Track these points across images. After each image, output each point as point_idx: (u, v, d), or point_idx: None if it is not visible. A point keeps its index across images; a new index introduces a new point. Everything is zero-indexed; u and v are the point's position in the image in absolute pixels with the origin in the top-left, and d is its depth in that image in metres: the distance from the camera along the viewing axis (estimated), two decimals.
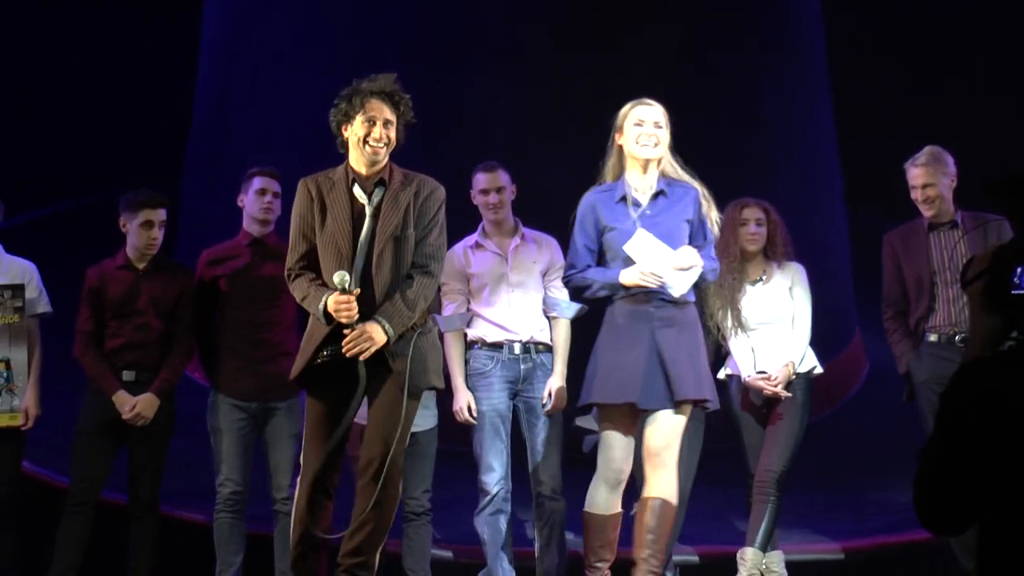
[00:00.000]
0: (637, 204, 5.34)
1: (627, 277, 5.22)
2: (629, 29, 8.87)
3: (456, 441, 6.47)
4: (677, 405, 5.25)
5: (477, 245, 6.17)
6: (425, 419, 6.06)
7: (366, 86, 5.06)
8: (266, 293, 6.11)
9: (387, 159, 5.09)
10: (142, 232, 6.04)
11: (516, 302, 6.08)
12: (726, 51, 9.13)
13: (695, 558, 6.56)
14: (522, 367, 6.06)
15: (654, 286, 5.21)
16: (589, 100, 7.46)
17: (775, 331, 5.99)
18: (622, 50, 8.75)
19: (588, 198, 5.42)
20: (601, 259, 5.43)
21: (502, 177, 6.16)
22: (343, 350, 4.89)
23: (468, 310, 6.15)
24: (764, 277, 6.07)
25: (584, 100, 8.02)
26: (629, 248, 5.20)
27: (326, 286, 4.96)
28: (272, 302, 6.10)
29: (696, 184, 5.43)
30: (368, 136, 5.02)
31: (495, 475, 5.98)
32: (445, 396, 6.13)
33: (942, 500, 2.04)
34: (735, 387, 6.05)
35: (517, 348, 6.07)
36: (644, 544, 5.23)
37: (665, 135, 5.33)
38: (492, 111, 8.89)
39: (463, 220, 6.11)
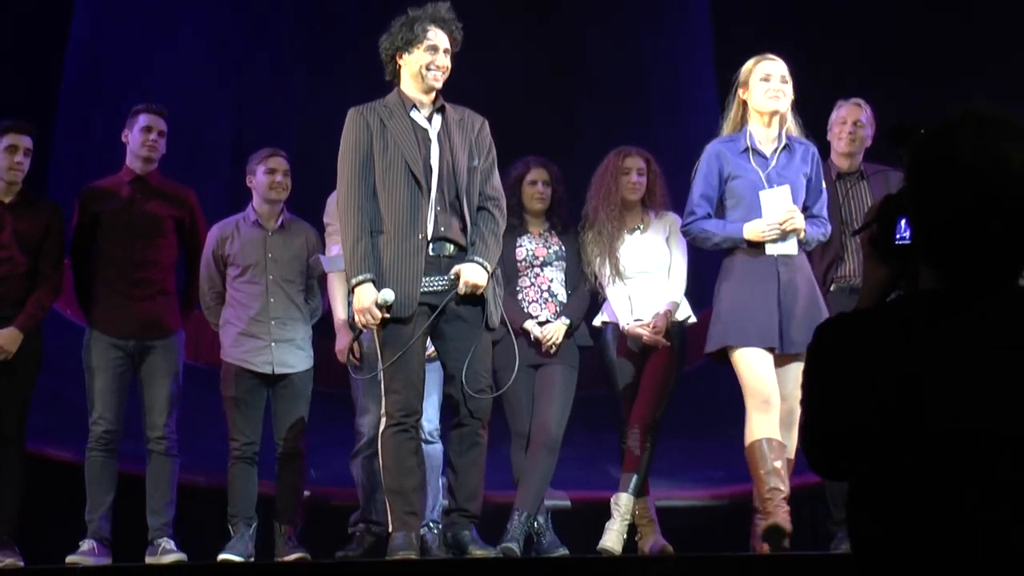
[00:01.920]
0: (761, 155, 5.41)
1: (751, 231, 5.31)
2: None
3: (332, 382, 6.37)
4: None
5: None
6: (300, 360, 6.03)
7: (428, 13, 5.14)
8: (147, 231, 6.08)
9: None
10: (6, 156, 5.91)
11: None
12: (608, 26, 9.10)
13: (568, 503, 6.56)
14: None
15: (773, 239, 5.30)
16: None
17: (652, 280, 6.03)
18: None
19: (712, 147, 5.49)
20: (719, 209, 5.50)
21: None
22: (458, 292, 5.02)
23: None
24: (641, 226, 6.11)
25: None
26: (765, 194, 5.32)
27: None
28: (152, 240, 6.08)
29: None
30: (431, 64, 5.08)
31: (371, 418, 5.94)
32: (322, 337, 6.04)
33: (822, 449, 2.05)
34: (611, 334, 6.10)
35: None
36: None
37: (790, 89, 5.45)
38: None
39: None
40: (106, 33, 10.13)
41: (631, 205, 6.15)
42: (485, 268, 5.07)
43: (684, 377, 6.05)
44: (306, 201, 6.49)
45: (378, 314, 4.96)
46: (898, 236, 2.22)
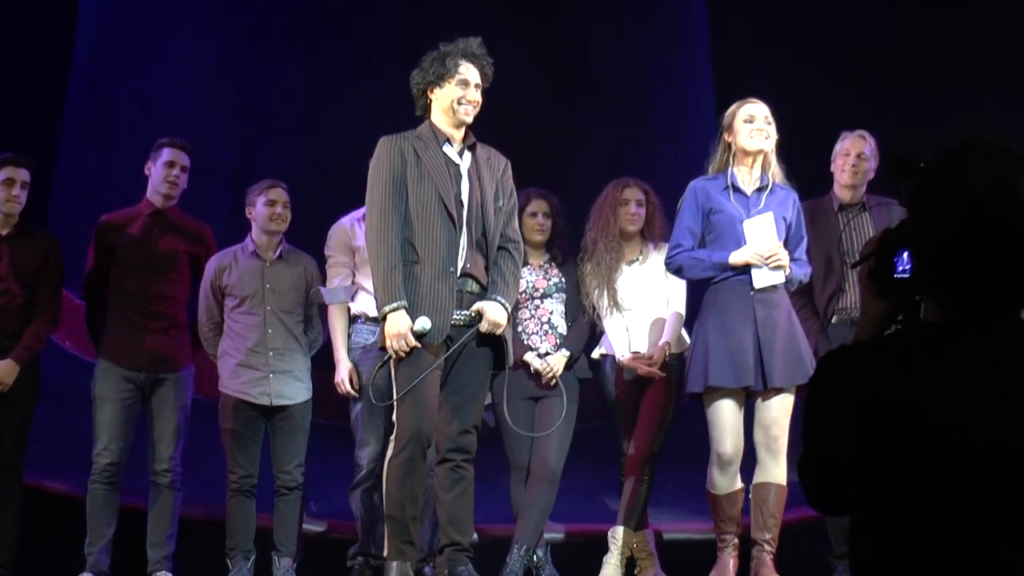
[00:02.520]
0: (742, 193, 5.48)
1: (738, 256, 5.35)
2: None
3: (332, 415, 6.35)
4: (786, 387, 5.36)
5: (364, 218, 6.04)
6: (299, 392, 6.03)
7: (460, 48, 5.18)
8: (162, 266, 6.12)
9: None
10: (4, 189, 5.96)
11: None
12: (609, 28, 9.12)
13: (562, 535, 6.54)
14: None
15: (760, 264, 5.33)
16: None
17: (650, 312, 6.02)
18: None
19: (695, 184, 5.57)
20: (701, 243, 5.57)
21: None
22: (482, 329, 5.05)
23: (352, 283, 6.10)
24: (640, 258, 6.12)
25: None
26: (749, 223, 5.39)
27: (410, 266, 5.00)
28: (167, 275, 6.12)
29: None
30: (463, 98, 5.12)
31: (370, 450, 5.98)
32: (321, 368, 6.02)
33: (823, 481, 2.06)
34: (609, 367, 6.11)
35: None
36: (765, 527, 5.36)
37: (774, 130, 5.53)
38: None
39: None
40: (107, 63, 10.17)
41: (630, 236, 6.16)
42: (506, 308, 5.11)
43: (683, 409, 6.04)
44: (307, 232, 6.48)
45: (413, 341, 4.93)
46: (898, 269, 2.21)
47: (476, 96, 5.17)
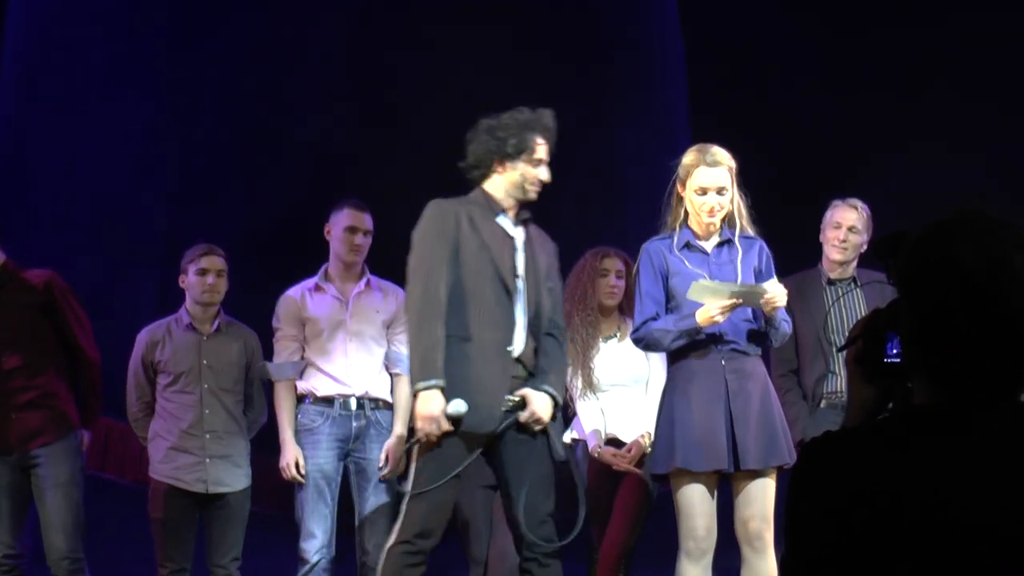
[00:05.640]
0: (702, 251, 5.34)
1: (701, 317, 5.16)
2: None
3: (273, 504, 6.31)
4: (762, 469, 5.22)
5: (317, 288, 6.13)
6: (237, 478, 6.01)
7: (540, 123, 5.20)
8: (11, 333, 5.91)
9: None
10: None
11: (353, 352, 6.07)
12: (582, 98, 9.22)
13: None
14: (354, 424, 6.04)
15: (724, 317, 5.15)
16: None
17: (629, 393, 6.00)
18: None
19: (648, 246, 5.42)
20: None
21: (367, 220, 6.14)
22: (521, 419, 5.05)
23: (302, 358, 6.08)
24: (618, 334, 6.08)
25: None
26: (691, 297, 5.19)
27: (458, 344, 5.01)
28: (15, 343, 5.92)
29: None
30: (536, 178, 5.17)
31: (316, 542, 5.94)
32: (262, 452, 6.00)
33: None
34: (580, 453, 6.03)
35: (352, 403, 5.99)
36: None
37: (728, 199, 5.32)
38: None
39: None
40: (33, 118, 10.17)
41: (608, 311, 6.14)
42: (555, 401, 5.11)
43: (660, 497, 6.02)
44: (250, 303, 6.48)
45: (446, 425, 4.93)
46: (889, 353, 2.19)
47: (548, 175, 5.20)
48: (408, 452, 5.51)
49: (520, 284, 5.12)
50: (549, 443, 5.13)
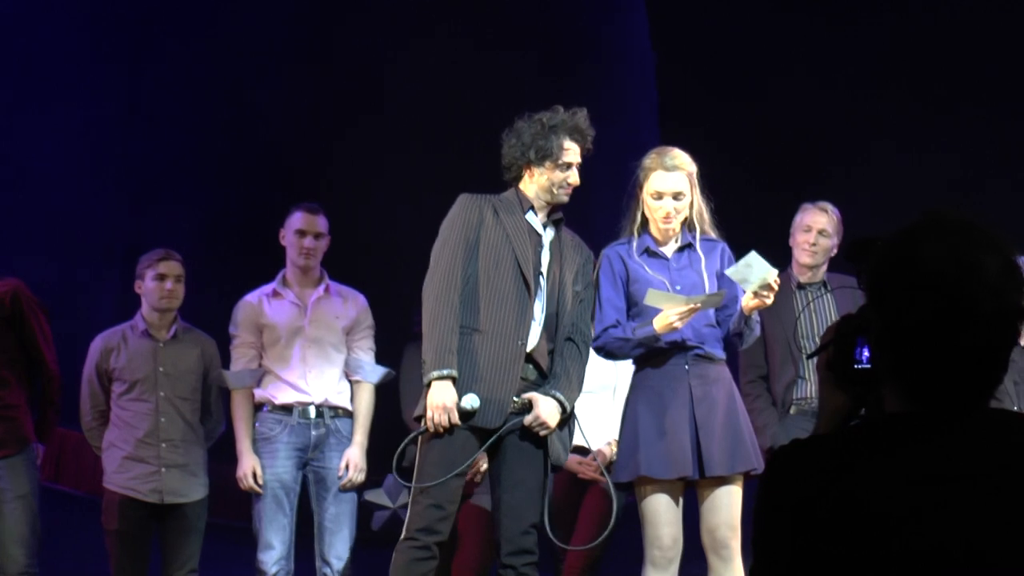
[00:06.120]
0: (661, 257, 5.30)
1: (659, 323, 5.09)
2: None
3: (231, 514, 6.28)
4: (728, 476, 5.18)
5: (275, 293, 6.10)
6: (194, 489, 6.00)
7: (567, 125, 5.14)
8: None
9: None
10: None
11: (312, 360, 6.03)
12: (552, 99, 9.23)
13: None
14: (313, 433, 6.01)
15: (684, 323, 5.07)
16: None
17: (595, 400, 5.97)
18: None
19: (609, 253, 5.37)
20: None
21: (321, 222, 6.06)
22: (525, 423, 5.03)
23: (260, 366, 6.05)
24: None
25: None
26: (648, 304, 5.12)
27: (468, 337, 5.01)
28: None
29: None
30: (564, 181, 5.14)
31: (274, 553, 5.91)
32: (220, 461, 5.96)
33: None
34: None
35: (311, 412, 5.96)
36: None
37: (686, 203, 5.27)
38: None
39: None
40: None
41: None
42: (563, 408, 5.07)
43: (627, 508, 5.99)
44: (207, 308, 6.43)
45: (456, 418, 4.91)
46: (861, 359, 2.19)
47: (576, 179, 5.16)
48: (413, 442, 5.51)
49: (541, 280, 5.11)
50: (548, 451, 5.09)
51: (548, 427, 5.04)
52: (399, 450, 5.25)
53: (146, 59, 9.44)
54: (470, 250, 5.07)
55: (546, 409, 5.04)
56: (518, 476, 5.07)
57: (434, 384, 4.93)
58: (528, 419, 5.03)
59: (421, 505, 4.96)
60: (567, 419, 5.15)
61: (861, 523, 1.92)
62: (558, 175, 5.13)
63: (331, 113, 9.15)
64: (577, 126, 5.15)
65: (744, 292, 5.11)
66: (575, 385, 5.17)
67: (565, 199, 5.18)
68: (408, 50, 9.17)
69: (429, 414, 4.93)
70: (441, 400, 4.91)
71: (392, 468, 5.34)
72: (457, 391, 4.94)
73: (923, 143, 8.38)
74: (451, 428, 4.93)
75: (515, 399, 5.03)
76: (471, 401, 4.93)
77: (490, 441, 5.00)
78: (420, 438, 5.03)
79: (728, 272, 5.16)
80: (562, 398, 5.07)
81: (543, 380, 5.13)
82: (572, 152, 5.14)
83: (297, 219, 6.09)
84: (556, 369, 5.14)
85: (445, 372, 4.92)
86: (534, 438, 5.07)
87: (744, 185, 6.76)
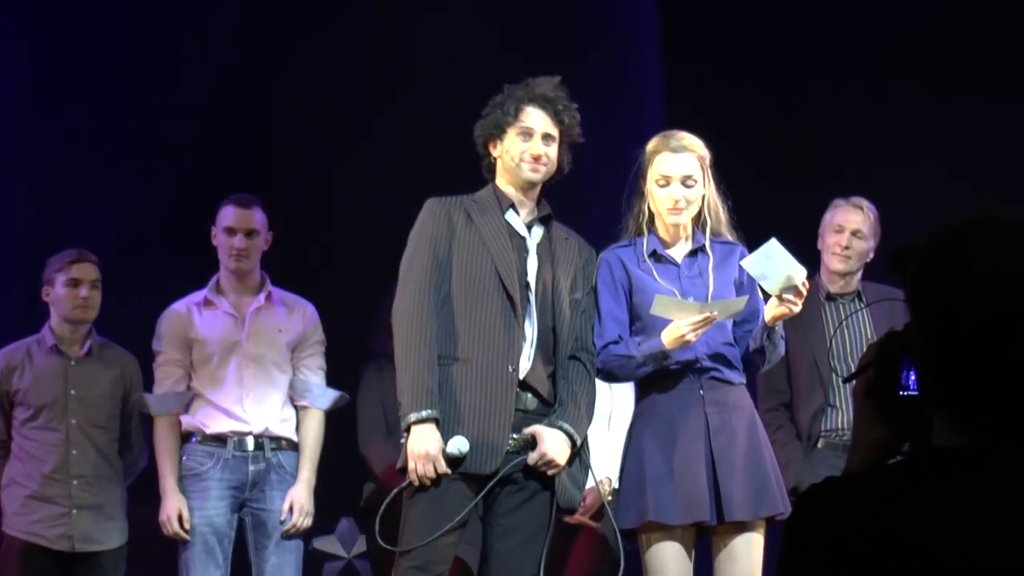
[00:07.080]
0: (671, 261, 5.25)
1: (668, 337, 5.03)
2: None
3: (154, 563, 6.27)
4: (750, 522, 5.14)
5: (206, 302, 6.11)
6: (110, 534, 6.04)
7: (523, 91, 5.13)
8: None
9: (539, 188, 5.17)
10: None
11: (250, 381, 6.04)
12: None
13: None
14: (251, 469, 6.02)
15: (697, 336, 5.02)
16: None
17: (591, 430, 5.91)
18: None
19: (608, 257, 5.32)
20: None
21: (256, 217, 5.99)
22: (530, 462, 4.98)
23: (188, 388, 6.05)
24: None
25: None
26: (655, 312, 5.08)
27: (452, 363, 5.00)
28: None
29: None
30: (525, 152, 5.07)
31: None
32: (142, 502, 5.93)
33: None
34: None
35: (249, 443, 5.97)
36: None
37: (698, 192, 5.22)
38: None
39: None
40: None
41: None
42: (572, 440, 5.00)
43: (629, 557, 5.97)
44: (125, 320, 6.37)
45: (444, 467, 4.86)
46: (905, 385, 2.17)
47: (543, 148, 5.07)
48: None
49: (530, 294, 5.06)
50: (555, 493, 5.02)
51: (556, 465, 4.96)
52: (380, 512, 5.17)
53: (60, 26, 9.41)
54: (442, 265, 5.02)
55: (552, 444, 4.96)
56: (512, 521, 5.01)
57: (413, 429, 4.86)
58: (533, 457, 4.94)
59: (401, 568, 4.90)
60: (578, 452, 5.07)
61: (904, 560, 1.91)
62: (519, 145, 5.07)
63: (282, 91, 9.13)
64: (540, 92, 5.12)
65: (765, 301, 5.07)
66: (585, 412, 5.10)
67: (533, 176, 5.09)
68: (362, 34, 9.19)
69: (411, 465, 4.86)
70: (423, 447, 4.83)
71: (372, 529, 5.31)
72: (442, 434, 4.86)
73: (977, 133, 8.37)
74: (438, 479, 4.85)
75: (513, 436, 4.94)
76: (458, 445, 4.85)
77: (487, 488, 4.92)
78: (404, 492, 4.95)
79: (743, 263, 5.10)
80: (571, 429, 5.00)
81: (546, 409, 5.05)
82: (534, 117, 5.09)
83: (226, 214, 6.08)
84: (561, 395, 5.08)
85: (424, 414, 4.86)
86: (540, 477, 5.01)
87: (759, 180, 6.71)
